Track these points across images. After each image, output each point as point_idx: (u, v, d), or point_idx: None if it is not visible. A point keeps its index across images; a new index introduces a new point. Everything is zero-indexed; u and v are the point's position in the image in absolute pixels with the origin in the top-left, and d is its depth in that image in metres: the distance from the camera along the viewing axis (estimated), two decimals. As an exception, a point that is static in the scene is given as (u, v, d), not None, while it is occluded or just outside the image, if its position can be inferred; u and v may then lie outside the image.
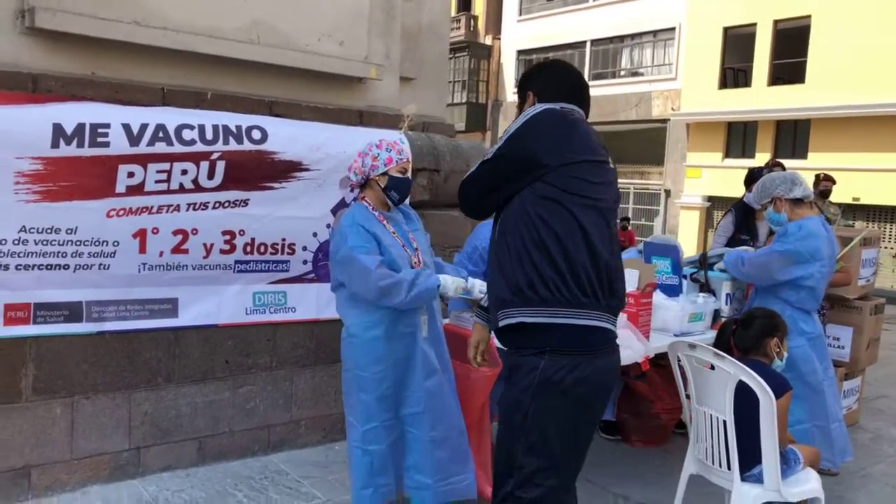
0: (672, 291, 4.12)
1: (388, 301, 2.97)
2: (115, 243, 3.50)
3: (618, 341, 2.41)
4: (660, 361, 4.41)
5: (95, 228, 3.43)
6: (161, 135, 3.55)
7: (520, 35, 26.46)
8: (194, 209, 3.69)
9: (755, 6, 19.54)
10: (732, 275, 4.10)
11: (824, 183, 7.92)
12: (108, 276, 3.50)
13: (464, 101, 26.88)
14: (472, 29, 27.82)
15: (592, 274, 2.25)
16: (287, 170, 3.96)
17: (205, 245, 3.75)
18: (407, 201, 3.63)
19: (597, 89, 23.88)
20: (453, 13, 28.66)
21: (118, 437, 3.58)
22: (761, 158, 17.44)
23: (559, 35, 25.04)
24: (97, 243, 3.45)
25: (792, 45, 18.93)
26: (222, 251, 3.81)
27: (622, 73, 24.00)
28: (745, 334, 3.18)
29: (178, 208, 3.64)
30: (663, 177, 22.81)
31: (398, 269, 3.05)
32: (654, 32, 22.79)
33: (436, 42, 5.16)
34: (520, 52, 26.55)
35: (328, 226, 4.13)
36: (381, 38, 4.64)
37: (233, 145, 3.74)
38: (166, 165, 3.58)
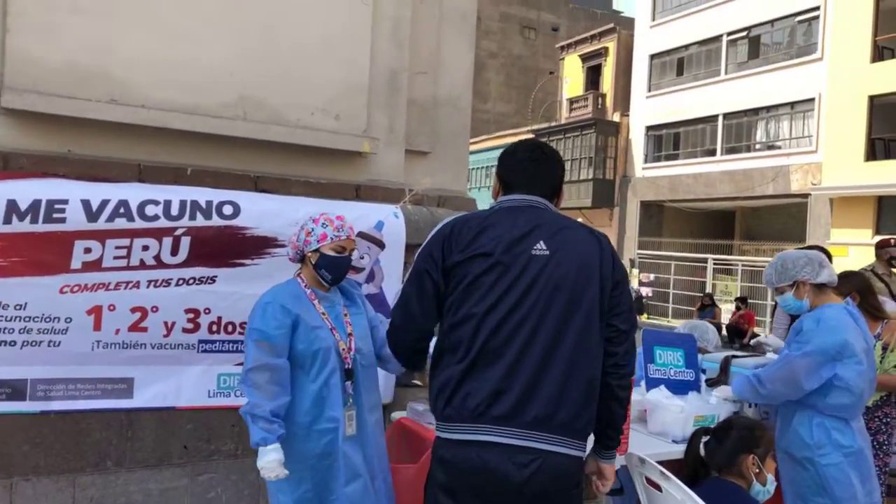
0: (683, 388, 3.55)
1: None
2: (68, 320, 3.45)
3: None
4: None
5: (47, 304, 3.40)
6: (122, 210, 3.52)
7: (649, 110, 25.90)
8: (155, 286, 3.60)
9: (904, 72, 18.04)
10: (750, 401, 3.42)
11: (893, 249, 6.61)
12: (57, 353, 3.44)
13: (590, 177, 26.44)
14: (599, 106, 27.56)
15: None
16: (260, 245, 3.81)
17: (165, 323, 3.63)
18: (356, 281, 3.37)
19: (730, 164, 22.82)
20: (581, 91, 28.61)
21: (61, 522, 3.46)
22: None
23: (689, 109, 24.27)
24: (48, 319, 3.41)
25: (947, 112, 17.20)
26: (185, 330, 3.68)
27: (757, 146, 22.76)
28: (718, 449, 2.60)
29: (137, 285, 3.56)
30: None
31: (315, 355, 2.79)
32: (792, 104, 21.55)
33: (455, 115, 4.94)
34: (649, 128, 25.93)
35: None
36: (384, 112, 4.48)
37: (200, 221, 3.66)
38: (126, 241, 3.53)
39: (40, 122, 3.61)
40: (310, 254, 2.97)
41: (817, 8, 20.71)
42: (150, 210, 3.58)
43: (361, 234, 4.12)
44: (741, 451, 2.57)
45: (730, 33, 23.30)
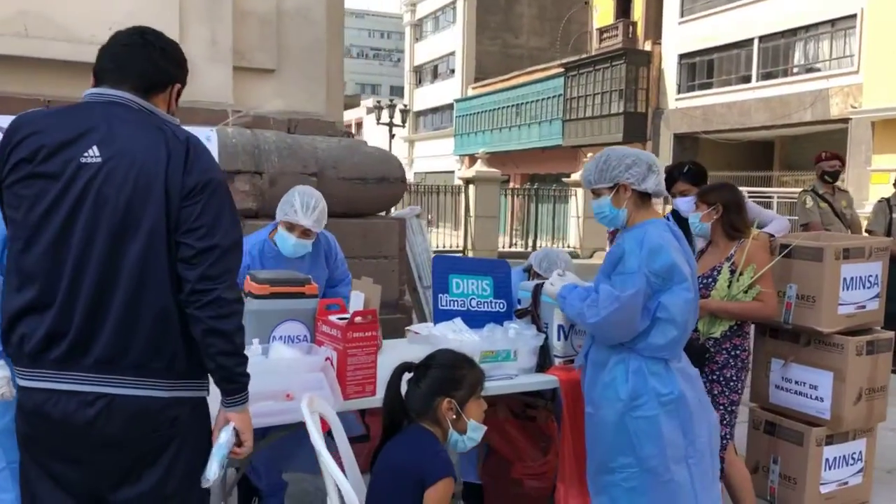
0: (488, 320, 3.10)
1: None
2: None
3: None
4: (528, 412, 3.42)
5: None
6: None
7: (682, 38, 24.49)
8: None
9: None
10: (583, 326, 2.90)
11: (829, 163, 5.85)
12: None
13: (621, 111, 25.33)
14: (630, 36, 26.23)
15: None
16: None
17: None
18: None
19: (766, 90, 21.54)
20: (611, 20, 27.33)
21: None
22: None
23: (724, 34, 22.83)
24: None
25: None
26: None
27: (795, 70, 21.31)
28: (415, 390, 2.16)
29: None
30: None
31: None
32: (832, 21, 20.00)
33: (306, 28, 4.48)
34: (682, 56, 24.56)
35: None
36: (204, 24, 4.05)
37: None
38: None
39: None
40: None
41: (857, -86, 19.00)
42: None
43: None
44: (437, 392, 2.13)
45: (765, -52, 21.69)
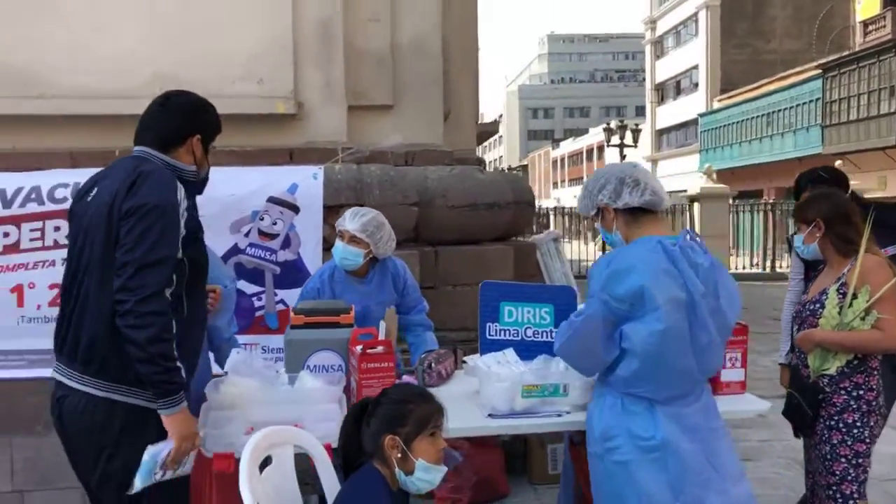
0: (544, 351, 2.87)
1: None
2: (-6, 298, 3.87)
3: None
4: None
5: (-25, 286, 3.86)
6: (34, 196, 3.86)
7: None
8: (68, 263, 3.88)
9: None
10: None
11: None
12: (-13, 328, 3.89)
13: (892, 110, 22.30)
14: (900, 24, 23.10)
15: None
16: (165, 219, 3.91)
17: (81, 297, 3.90)
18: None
19: None
20: (877, 10, 24.36)
21: (1, 479, 3.89)
22: None
23: None
24: (-23, 300, 3.88)
25: None
26: (100, 303, 3.92)
27: None
28: (366, 429, 2.05)
29: (52, 263, 3.87)
30: None
31: None
32: None
33: (422, 62, 4.52)
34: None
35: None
36: (318, 69, 4.29)
37: (106, 199, 3.86)
38: (39, 224, 3.86)
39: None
40: None
41: None
42: (60, 193, 3.87)
43: (272, 199, 4.01)
44: (383, 430, 1.99)
45: None
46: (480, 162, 5.16)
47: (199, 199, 3.84)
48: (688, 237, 2.35)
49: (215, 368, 3.07)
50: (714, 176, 15.49)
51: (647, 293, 2.19)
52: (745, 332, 2.87)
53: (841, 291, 2.73)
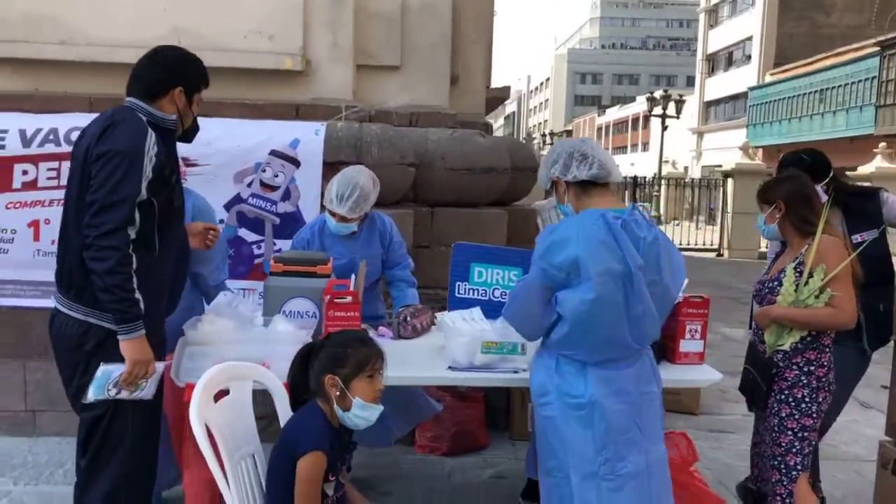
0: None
1: None
2: (13, 231, 4.12)
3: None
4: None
5: (-4, 219, 4.12)
6: (51, 137, 4.08)
7: None
8: (81, 202, 4.11)
9: None
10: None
11: None
12: (6, 259, 4.14)
13: (948, 93, 21.57)
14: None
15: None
16: (174, 165, 4.10)
17: (92, 235, 4.14)
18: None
19: None
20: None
21: (16, 399, 4.19)
22: None
23: None
24: (-1, 231, 4.14)
25: None
26: (109, 241, 4.15)
27: None
28: (311, 369, 2.23)
29: (67, 202, 4.10)
30: None
31: None
32: None
33: (431, 24, 4.60)
34: None
35: (221, 221, 4.12)
36: (327, 29, 4.41)
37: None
38: (55, 164, 4.08)
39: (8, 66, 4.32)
40: None
41: None
42: (76, 136, 4.02)
43: (274, 153, 4.17)
44: (324, 370, 2.16)
45: None
46: (487, 127, 5.24)
47: (206, 149, 4.06)
48: (635, 212, 2.45)
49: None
50: (751, 152, 15.21)
51: (581, 263, 2.30)
52: (706, 305, 2.98)
53: (798, 270, 2.81)
